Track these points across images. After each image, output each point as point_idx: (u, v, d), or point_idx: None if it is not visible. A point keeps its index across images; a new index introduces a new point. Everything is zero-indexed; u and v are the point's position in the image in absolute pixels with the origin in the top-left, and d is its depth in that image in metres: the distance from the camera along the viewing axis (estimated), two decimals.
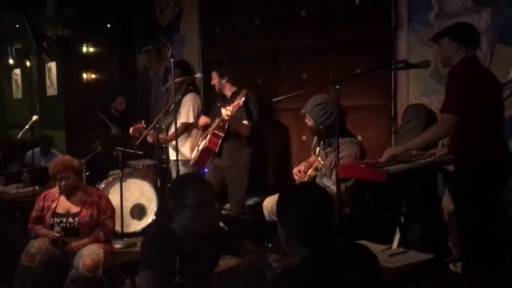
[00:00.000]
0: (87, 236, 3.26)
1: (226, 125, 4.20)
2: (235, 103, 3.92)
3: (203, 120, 4.54)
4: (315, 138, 3.93)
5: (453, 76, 2.85)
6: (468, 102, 2.76)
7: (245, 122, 4.23)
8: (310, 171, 3.70)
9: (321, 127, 3.65)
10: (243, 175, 4.35)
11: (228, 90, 4.40)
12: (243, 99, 3.94)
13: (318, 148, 3.84)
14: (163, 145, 4.86)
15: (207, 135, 4.36)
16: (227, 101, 4.27)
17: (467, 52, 2.88)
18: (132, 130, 4.61)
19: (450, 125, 2.81)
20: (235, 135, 4.27)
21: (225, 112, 3.93)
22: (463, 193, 2.91)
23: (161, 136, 4.56)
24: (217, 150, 4.25)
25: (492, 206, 2.88)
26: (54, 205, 3.32)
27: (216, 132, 4.24)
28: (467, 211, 2.88)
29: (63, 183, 3.30)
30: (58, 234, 3.18)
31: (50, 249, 3.17)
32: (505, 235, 3.09)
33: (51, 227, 3.25)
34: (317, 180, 3.63)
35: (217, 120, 4.25)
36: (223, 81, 4.39)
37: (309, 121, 3.72)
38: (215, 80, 4.43)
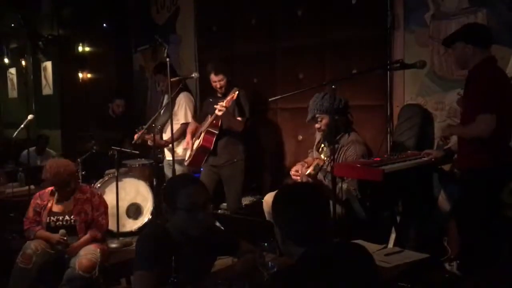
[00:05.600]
0: (85, 233, 3.26)
1: (220, 123, 4.17)
2: (228, 97, 3.92)
3: (192, 126, 4.53)
4: (319, 135, 3.82)
5: (479, 77, 2.81)
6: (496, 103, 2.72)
7: (238, 118, 4.22)
8: (310, 169, 3.60)
9: (337, 117, 3.44)
10: (239, 172, 4.34)
11: (225, 89, 4.35)
12: (236, 93, 3.94)
13: (322, 144, 3.76)
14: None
15: (200, 134, 4.35)
16: (219, 99, 4.25)
17: (483, 53, 2.87)
18: (137, 138, 4.45)
19: (490, 123, 2.69)
20: (229, 133, 4.25)
21: (219, 107, 3.90)
22: (471, 199, 2.89)
23: (158, 138, 4.53)
24: (212, 147, 4.23)
25: (494, 210, 2.88)
26: (49, 204, 3.32)
27: (210, 129, 4.21)
28: (473, 216, 2.88)
29: (60, 189, 3.30)
30: (64, 238, 3.16)
31: (46, 251, 3.15)
32: (501, 235, 3.09)
33: (48, 225, 3.25)
34: (319, 176, 3.50)
35: (210, 118, 4.23)
36: (229, 80, 4.32)
37: (324, 119, 3.56)
38: (223, 81, 4.27)
